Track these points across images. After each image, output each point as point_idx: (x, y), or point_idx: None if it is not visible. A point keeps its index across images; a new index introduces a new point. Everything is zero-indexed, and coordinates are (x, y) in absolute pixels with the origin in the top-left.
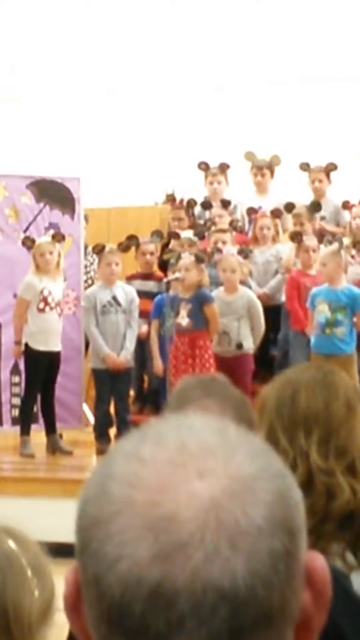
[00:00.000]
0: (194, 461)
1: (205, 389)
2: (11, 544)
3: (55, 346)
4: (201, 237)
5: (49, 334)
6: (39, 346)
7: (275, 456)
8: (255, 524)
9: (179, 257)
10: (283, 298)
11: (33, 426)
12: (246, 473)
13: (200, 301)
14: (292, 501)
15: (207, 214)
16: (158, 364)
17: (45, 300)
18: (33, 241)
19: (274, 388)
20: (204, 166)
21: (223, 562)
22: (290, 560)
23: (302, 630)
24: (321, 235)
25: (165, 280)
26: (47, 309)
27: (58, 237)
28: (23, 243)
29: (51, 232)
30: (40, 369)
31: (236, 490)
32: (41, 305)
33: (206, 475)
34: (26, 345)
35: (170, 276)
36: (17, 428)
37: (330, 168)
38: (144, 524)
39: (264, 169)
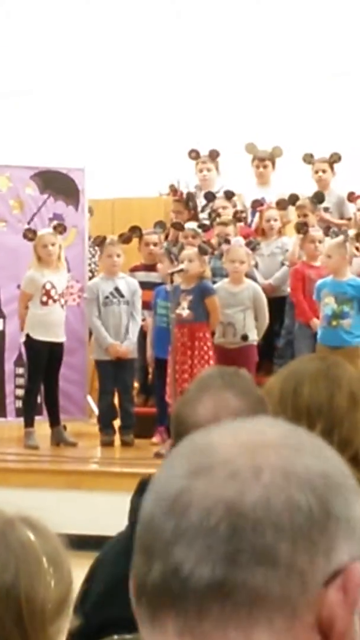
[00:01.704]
0: (257, 448)
1: (226, 380)
2: (29, 534)
3: (57, 337)
4: (205, 229)
5: (51, 326)
6: (39, 336)
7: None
8: (286, 470)
9: (181, 248)
10: (288, 290)
11: (37, 418)
12: (304, 448)
13: (201, 293)
14: (340, 490)
15: (206, 204)
16: (149, 353)
17: (48, 293)
18: (34, 233)
19: (278, 379)
20: (194, 154)
21: (240, 483)
22: (313, 525)
23: (327, 630)
24: (327, 227)
25: (169, 271)
26: (50, 301)
27: (60, 229)
28: (24, 235)
29: (54, 223)
30: (41, 359)
31: (284, 455)
32: (44, 299)
33: (261, 446)
34: (27, 335)
35: (174, 268)
36: (22, 420)
37: (334, 159)
38: (185, 451)
39: (265, 161)
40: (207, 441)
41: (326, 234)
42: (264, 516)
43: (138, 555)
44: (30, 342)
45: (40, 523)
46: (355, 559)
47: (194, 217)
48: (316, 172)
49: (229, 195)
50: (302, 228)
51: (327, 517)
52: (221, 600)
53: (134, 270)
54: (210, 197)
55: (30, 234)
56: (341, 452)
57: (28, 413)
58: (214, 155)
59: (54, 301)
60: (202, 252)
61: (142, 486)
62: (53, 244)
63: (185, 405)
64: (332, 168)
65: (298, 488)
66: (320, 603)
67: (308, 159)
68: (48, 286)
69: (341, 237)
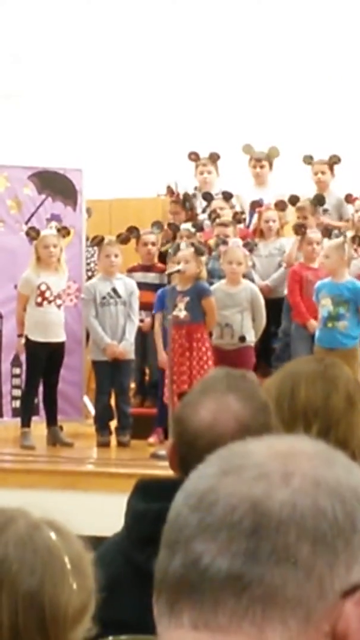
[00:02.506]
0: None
1: (231, 384)
2: (54, 537)
3: (57, 337)
4: (200, 229)
5: (48, 326)
6: (37, 337)
7: None
8: (316, 478)
9: (177, 249)
10: (285, 291)
11: (34, 418)
12: (334, 472)
13: (198, 294)
14: None
15: (203, 205)
16: (162, 357)
17: (42, 294)
18: (38, 232)
19: (275, 381)
20: (194, 156)
21: (269, 485)
22: (337, 534)
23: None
24: (325, 229)
25: (166, 272)
26: (45, 303)
27: (63, 232)
28: (27, 234)
29: (53, 224)
30: (39, 360)
31: (316, 465)
32: (39, 300)
33: (294, 454)
34: (26, 337)
35: (172, 268)
36: (18, 420)
37: (333, 161)
38: (223, 455)
39: (262, 161)
40: (243, 447)
41: (325, 235)
42: (288, 517)
43: (162, 550)
44: (27, 344)
45: (64, 526)
46: None
47: (192, 218)
48: (315, 173)
49: (227, 196)
50: (299, 229)
51: (352, 529)
52: (237, 594)
53: (131, 270)
54: (208, 197)
55: (33, 233)
56: None
57: (25, 413)
58: (214, 157)
59: (49, 302)
60: (198, 253)
61: (139, 487)
62: (55, 246)
63: (186, 407)
64: (331, 170)
65: (326, 496)
66: (337, 614)
67: (308, 160)
68: (43, 287)
69: (340, 239)
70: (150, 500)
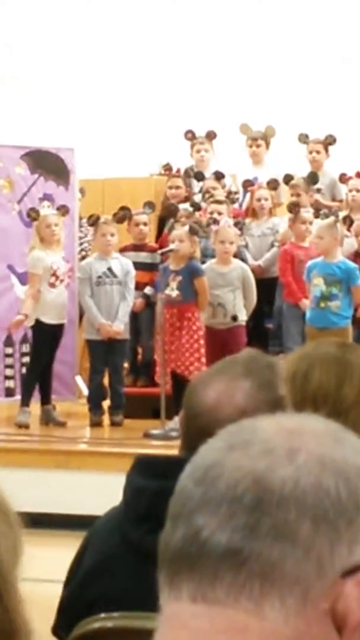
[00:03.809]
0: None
1: (252, 368)
2: None
3: (63, 319)
4: (197, 208)
5: (58, 308)
6: (51, 320)
7: None
8: (320, 456)
9: (172, 228)
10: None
11: None
12: (341, 452)
13: (190, 273)
14: None
15: (199, 185)
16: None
17: (55, 274)
18: (38, 213)
19: (293, 359)
20: (191, 135)
21: (273, 461)
22: (338, 512)
23: (340, 621)
24: (317, 209)
25: (159, 252)
26: (58, 282)
27: (63, 211)
28: (28, 215)
29: (45, 203)
30: (49, 341)
31: (323, 443)
32: (52, 280)
33: (302, 432)
34: (37, 320)
35: (165, 248)
36: (11, 399)
37: (328, 141)
38: (231, 430)
39: (259, 140)
40: (252, 423)
41: (316, 215)
42: (290, 493)
43: (167, 523)
44: (40, 327)
45: None
46: None
47: (188, 197)
48: (310, 152)
49: (218, 176)
50: (294, 208)
51: (356, 509)
52: (235, 568)
53: (123, 250)
54: (200, 177)
55: (33, 214)
56: None
57: (26, 392)
58: (211, 136)
59: (61, 282)
60: (192, 232)
61: (138, 463)
62: (56, 225)
63: (200, 381)
64: (326, 150)
65: (331, 474)
66: (336, 594)
67: (303, 139)
68: (55, 266)
69: (332, 219)
70: (149, 477)
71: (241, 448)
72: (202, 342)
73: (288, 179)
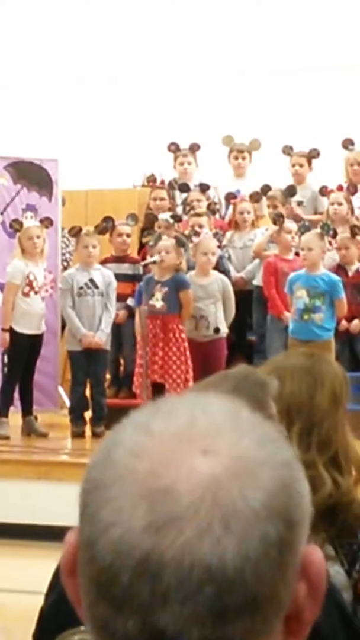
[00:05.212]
0: (201, 438)
1: (241, 386)
2: None
3: (38, 329)
4: (179, 220)
5: (33, 318)
6: (23, 329)
7: (286, 446)
8: (251, 508)
9: (158, 239)
10: (255, 282)
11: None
12: (251, 457)
13: (176, 285)
14: (295, 492)
15: (182, 197)
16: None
17: (30, 284)
18: (21, 224)
19: (262, 373)
20: (174, 147)
21: (214, 540)
22: (285, 550)
23: (294, 622)
24: (296, 222)
25: (142, 263)
26: (32, 293)
27: (46, 223)
28: (10, 226)
29: (28, 214)
30: (23, 352)
31: (238, 471)
32: (26, 290)
33: (210, 453)
34: (10, 328)
35: (148, 259)
36: None
37: (312, 155)
38: (141, 492)
39: (244, 152)
40: (160, 480)
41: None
42: (244, 567)
43: (101, 600)
44: (12, 336)
45: None
46: (306, 543)
47: (171, 208)
48: (293, 165)
49: (203, 188)
50: (278, 219)
51: (293, 533)
52: None
53: (104, 262)
54: (185, 188)
55: (16, 225)
56: (320, 453)
57: (4, 404)
58: (194, 148)
59: (35, 292)
60: (179, 244)
61: None
62: (38, 237)
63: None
64: (309, 163)
65: (267, 522)
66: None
67: (287, 151)
68: (31, 277)
69: (318, 230)
70: None
71: (170, 526)
72: (188, 353)
73: (265, 190)
